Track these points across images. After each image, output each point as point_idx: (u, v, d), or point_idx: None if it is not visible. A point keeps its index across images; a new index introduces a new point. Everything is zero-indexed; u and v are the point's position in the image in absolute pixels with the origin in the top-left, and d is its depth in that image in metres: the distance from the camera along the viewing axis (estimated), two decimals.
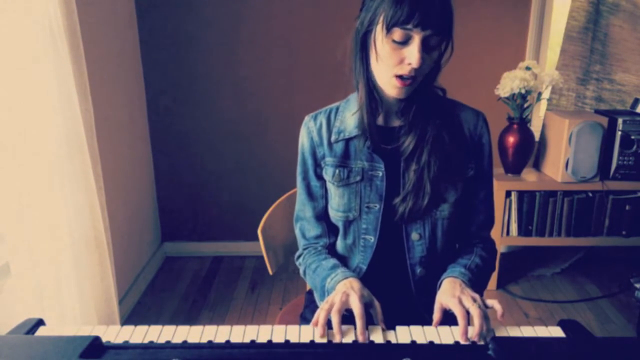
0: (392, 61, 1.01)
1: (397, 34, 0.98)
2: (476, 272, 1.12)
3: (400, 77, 1.02)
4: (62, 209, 1.58)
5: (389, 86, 1.05)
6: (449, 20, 1.00)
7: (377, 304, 1.02)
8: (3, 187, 1.41)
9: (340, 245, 1.22)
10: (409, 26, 0.96)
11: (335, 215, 1.18)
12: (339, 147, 1.15)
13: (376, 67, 1.05)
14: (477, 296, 1.00)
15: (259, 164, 2.81)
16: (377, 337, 0.93)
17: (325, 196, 1.20)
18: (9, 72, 1.40)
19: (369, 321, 0.98)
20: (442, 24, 0.98)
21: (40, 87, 1.48)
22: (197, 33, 2.61)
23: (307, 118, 1.20)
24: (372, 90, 1.09)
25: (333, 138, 1.15)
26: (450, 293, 1.02)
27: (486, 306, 0.99)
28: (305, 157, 1.19)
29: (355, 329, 0.94)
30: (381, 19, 0.99)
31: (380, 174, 1.12)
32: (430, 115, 1.09)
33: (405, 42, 0.99)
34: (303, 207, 1.23)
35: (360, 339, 0.92)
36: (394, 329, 0.96)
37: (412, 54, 0.98)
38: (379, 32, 1.01)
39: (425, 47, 0.99)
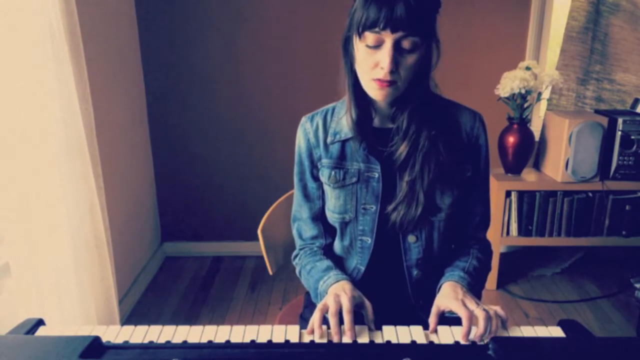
0: (367, 65, 1.01)
1: (369, 38, 0.98)
2: (474, 275, 1.12)
3: (378, 78, 1.01)
4: (62, 209, 1.58)
5: (370, 89, 1.04)
6: (425, 21, 0.98)
7: (368, 304, 1.02)
8: (3, 187, 1.41)
9: (337, 246, 1.22)
10: (377, 29, 0.96)
11: (332, 216, 1.18)
12: (335, 149, 1.14)
13: (357, 71, 1.05)
14: (479, 302, 1.00)
15: (259, 164, 2.81)
16: (377, 337, 0.93)
17: (322, 197, 1.20)
18: (9, 72, 1.39)
19: (360, 322, 0.98)
20: (414, 26, 0.96)
21: (40, 87, 1.48)
22: (197, 33, 2.61)
23: (303, 119, 1.20)
24: (359, 94, 1.09)
25: (329, 139, 1.15)
26: (453, 296, 1.01)
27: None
28: (302, 159, 1.19)
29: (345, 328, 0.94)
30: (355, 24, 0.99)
31: (377, 175, 1.12)
32: (424, 121, 1.08)
33: (378, 45, 0.98)
34: (300, 208, 1.23)
35: (348, 334, 0.92)
36: (381, 329, 0.96)
37: (384, 58, 0.98)
38: (355, 37, 1.01)
39: (399, 50, 0.98)
